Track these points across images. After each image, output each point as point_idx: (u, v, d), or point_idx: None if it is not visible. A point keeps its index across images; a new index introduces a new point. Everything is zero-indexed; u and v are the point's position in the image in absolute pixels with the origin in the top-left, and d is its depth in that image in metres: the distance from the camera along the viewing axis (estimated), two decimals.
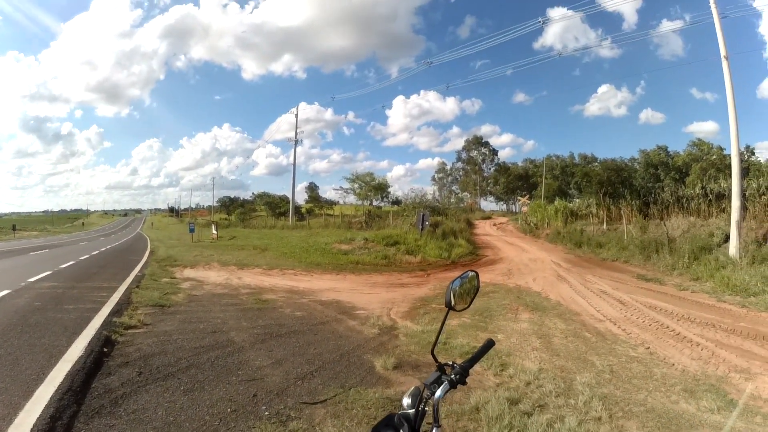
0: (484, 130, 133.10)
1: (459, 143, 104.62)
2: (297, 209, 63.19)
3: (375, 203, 66.91)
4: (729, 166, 18.30)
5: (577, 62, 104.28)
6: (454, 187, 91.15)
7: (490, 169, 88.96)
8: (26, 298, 10.07)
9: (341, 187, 71.42)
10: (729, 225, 16.63)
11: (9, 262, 19.98)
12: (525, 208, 55.57)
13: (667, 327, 8.63)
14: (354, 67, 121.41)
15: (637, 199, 29.49)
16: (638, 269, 17.12)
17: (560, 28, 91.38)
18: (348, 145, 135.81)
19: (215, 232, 40.56)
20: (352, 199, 70.40)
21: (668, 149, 60.80)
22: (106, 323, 7.74)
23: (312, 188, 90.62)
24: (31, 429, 3.88)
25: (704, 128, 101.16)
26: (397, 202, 62.17)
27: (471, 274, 2.11)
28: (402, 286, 14.39)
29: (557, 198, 48.34)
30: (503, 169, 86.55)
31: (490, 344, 2.00)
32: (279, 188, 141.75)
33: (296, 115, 55.71)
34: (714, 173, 34.85)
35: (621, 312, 10.04)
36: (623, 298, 11.52)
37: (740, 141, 16.86)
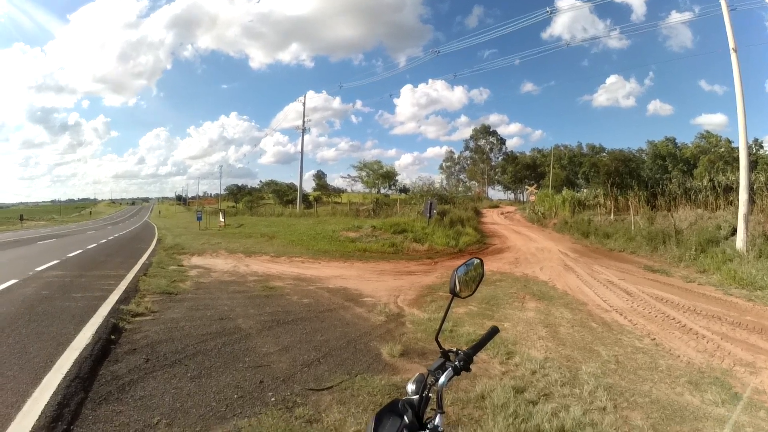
0: (492, 119, 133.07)
1: (467, 132, 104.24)
2: (305, 197, 63.28)
3: (383, 191, 67.20)
4: (737, 159, 18.18)
5: (585, 52, 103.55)
6: (461, 176, 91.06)
7: (497, 158, 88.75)
8: (34, 287, 10.09)
9: (349, 175, 71.85)
10: (736, 218, 16.50)
11: (17, 252, 20.04)
12: (533, 198, 55.44)
13: (674, 319, 8.60)
14: (362, 56, 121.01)
15: (644, 190, 29.40)
16: (645, 260, 17.05)
17: (568, 18, 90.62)
18: (356, 134, 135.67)
19: (222, 220, 40.69)
20: (359, 187, 70.76)
21: (676, 141, 60.40)
22: (114, 311, 7.78)
23: (320, 176, 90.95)
24: (39, 416, 3.90)
25: (713, 120, 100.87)
26: (404, 190, 62.48)
27: (476, 261, 2.11)
28: (409, 274, 14.39)
29: (565, 188, 48.33)
30: (511, 158, 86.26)
31: (494, 331, 2.02)
32: (287, 176, 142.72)
33: (304, 104, 55.86)
34: (722, 166, 34.67)
35: (627, 303, 10.01)
36: (630, 288, 11.48)
37: (748, 134, 16.74)
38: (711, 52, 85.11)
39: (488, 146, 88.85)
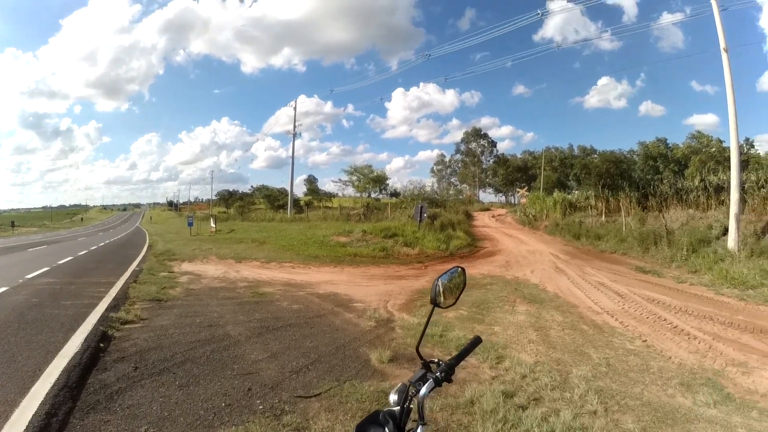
0: (484, 122, 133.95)
1: (458, 135, 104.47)
2: (296, 202, 63.42)
3: (373, 195, 67.55)
4: (728, 159, 18.34)
5: (577, 54, 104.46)
6: (453, 179, 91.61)
7: (489, 161, 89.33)
8: (24, 294, 10.02)
9: (340, 180, 72.44)
10: (728, 218, 16.63)
11: (7, 259, 19.94)
12: (524, 200, 55.57)
13: (665, 320, 8.61)
14: (354, 60, 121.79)
15: (635, 191, 29.55)
16: (636, 261, 17.14)
17: (560, 21, 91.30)
18: (347, 138, 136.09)
19: (214, 226, 40.68)
20: (350, 191, 71.12)
21: (667, 141, 60.81)
22: (103, 319, 7.73)
23: (311, 181, 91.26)
24: (27, 425, 3.86)
25: (704, 120, 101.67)
26: (395, 194, 62.71)
27: (457, 270, 2.09)
28: (400, 279, 14.39)
29: (556, 190, 48.45)
30: (502, 160, 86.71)
31: (477, 341, 1.99)
32: (278, 181, 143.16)
33: (295, 108, 55.85)
34: (713, 165, 34.87)
35: (619, 304, 10.03)
36: (621, 290, 11.50)
37: (740, 133, 16.86)
38: (702, 53, 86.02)
39: (479, 149, 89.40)
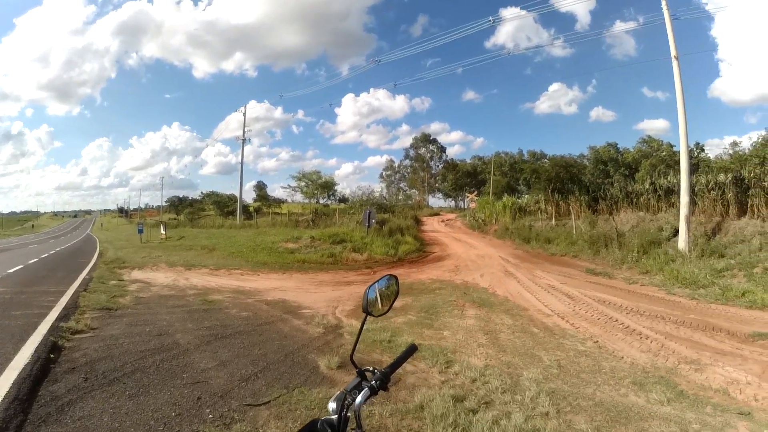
0: (434, 127, 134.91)
1: (408, 141, 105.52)
2: (245, 208, 63.01)
3: (322, 201, 67.78)
4: (678, 163, 18.98)
5: (528, 61, 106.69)
6: (402, 185, 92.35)
7: (438, 166, 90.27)
8: None
9: (289, 186, 72.33)
10: (678, 220, 17.20)
11: None
12: (473, 205, 56.34)
13: (617, 320, 8.78)
14: (305, 66, 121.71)
15: (586, 194, 30.18)
16: (587, 264, 17.54)
17: (512, 28, 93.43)
18: (297, 144, 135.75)
19: (164, 233, 40.20)
20: (299, 197, 71.14)
21: (618, 146, 62.55)
22: (53, 328, 7.62)
23: (260, 187, 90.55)
24: None
25: (655, 126, 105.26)
26: (344, 199, 62.99)
27: (389, 277, 2.17)
28: (348, 285, 14.46)
29: (505, 194, 49.18)
30: (451, 166, 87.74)
31: (412, 349, 2.07)
32: (228, 187, 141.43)
33: (244, 114, 55.36)
34: (664, 169, 35.99)
35: (569, 306, 10.20)
36: (572, 292, 11.70)
37: (690, 138, 17.53)
38: (654, 60, 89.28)
39: (429, 154, 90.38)
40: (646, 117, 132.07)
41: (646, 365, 6.17)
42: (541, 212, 33.26)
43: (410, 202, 76.45)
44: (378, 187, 74.55)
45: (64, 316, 8.58)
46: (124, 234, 55.52)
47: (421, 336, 7.72)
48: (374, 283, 2.07)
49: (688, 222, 16.61)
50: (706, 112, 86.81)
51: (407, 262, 20.75)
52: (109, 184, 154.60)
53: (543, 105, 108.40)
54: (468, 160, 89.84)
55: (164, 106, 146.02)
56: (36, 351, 6.27)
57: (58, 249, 32.24)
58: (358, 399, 1.63)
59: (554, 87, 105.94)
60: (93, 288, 12.24)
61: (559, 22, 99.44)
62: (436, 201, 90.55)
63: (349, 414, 1.62)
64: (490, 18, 36.52)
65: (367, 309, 1.97)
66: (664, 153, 50.73)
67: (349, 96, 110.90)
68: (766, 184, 17.63)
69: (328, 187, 69.06)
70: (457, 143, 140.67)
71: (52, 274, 15.91)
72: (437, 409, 4.47)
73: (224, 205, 71.95)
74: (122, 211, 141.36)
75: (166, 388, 5.20)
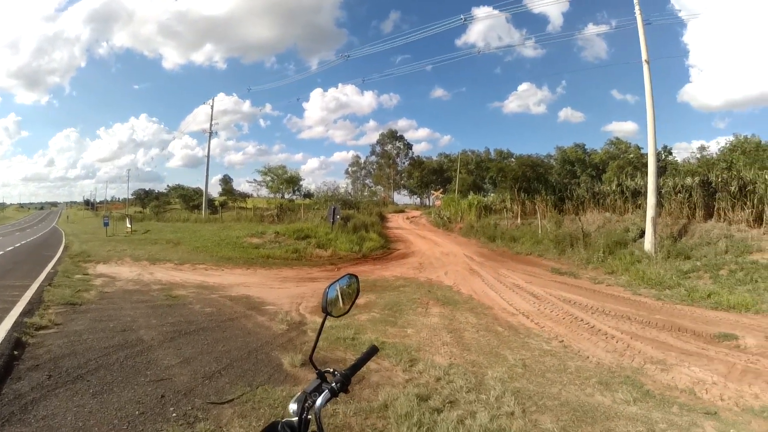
0: (401, 124, 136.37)
1: (375, 137, 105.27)
2: (210, 202, 62.66)
3: (287, 196, 67.82)
4: (646, 165, 19.42)
5: (498, 60, 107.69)
6: (367, 181, 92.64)
7: (404, 163, 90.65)
8: None
9: (255, 180, 72.27)
10: (645, 221, 17.59)
11: None
12: (438, 202, 56.62)
13: (582, 320, 8.91)
14: (274, 59, 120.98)
15: (552, 194, 30.54)
16: (552, 263, 17.79)
17: (484, 27, 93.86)
18: (264, 138, 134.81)
19: (129, 226, 39.61)
20: (265, 192, 71.04)
21: (586, 147, 63.74)
22: (17, 324, 7.56)
23: (226, 181, 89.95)
24: None
25: (623, 128, 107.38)
26: (309, 195, 63.15)
27: (350, 276, 2.20)
28: (312, 281, 14.48)
29: (471, 192, 49.58)
30: (417, 163, 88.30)
31: (373, 351, 2.08)
32: (194, 180, 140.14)
33: (212, 107, 54.97)
34: (631, 171, 36.77)
35: (534, 305, 10.32)
36: (537, 291, 11.84)
37: (658, 141, 17.99)
38: (624, 63, 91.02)
39: (395, 151, 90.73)
40: (614, 119, 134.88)
41: (612, 365, 6.28)
42: (506, 211, 33.55)
43: (375, 198, 76.64)
44: (343, 183, 75.28)
45: (28, 311, 8.52)
46: (90, 227, 54.68)
47: (384, 334, 7.74)
48: (334, 282, 2.07)
49: (655, 224, 17.05)
50: (674, 116, 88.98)
51: (371, 259, 20.85)
52: (76, 175, 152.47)
53: (512, 104, 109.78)
54: (434, 158, 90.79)
55: (133, 97, 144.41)
56: None
57: (23, 242, 31.74)
58: (319, 401, 1.64)
59: (523, 87, 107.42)
60: (58, 282, 12.15)
61: (531, 22, 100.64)
62: (401, 198, 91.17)
63: (309, 416, 1.63)
64: (462, 16, 36.58)
65: (327, 309, 1.97)
66: (631, 155, 51.99)
67: (318, 91, 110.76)
68: (732, 188, 18.06)
69: (293, 182, 69.55)
70: (424, 140, 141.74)
71: (16, 268, 15.75)
72: (401, 408, 4.49)
73: (190, 198, 72.17)
74: (89, 204, 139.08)
75: (130, 385, 5.20)
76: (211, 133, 55.36)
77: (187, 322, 8.41)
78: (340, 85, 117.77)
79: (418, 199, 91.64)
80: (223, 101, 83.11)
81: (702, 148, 46.71)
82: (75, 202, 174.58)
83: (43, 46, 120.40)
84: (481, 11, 56.45)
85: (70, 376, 5.40)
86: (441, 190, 70.80)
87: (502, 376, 5.64)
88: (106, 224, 38.19)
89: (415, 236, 31.26)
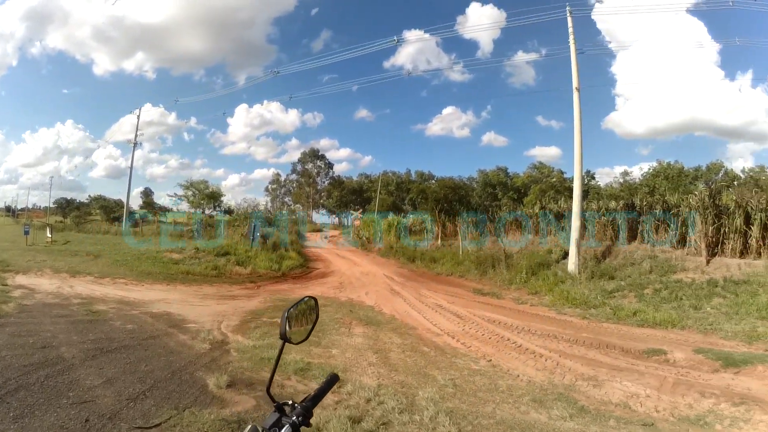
0: (323, 143, 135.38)
1: (296, 155, 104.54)
2: (131, 215, 60.72)
3: (208, 212, 67.02)
4: (568, 188, 20.18)
5: (425, 83, 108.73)
6: (287, 199, 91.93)
7: (324, 182, 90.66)
8: None
9: (175, 194, 70.86)
10: (568, 243, 18.16)
11: None
12: (357, 222, 56.75)
13: (508, 339, 9.01)
14: (203, 72, 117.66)
15: (474, 216, 31.11)
16: (474, 284, 18.03)
17: (413, 49, 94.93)
18: (187, 152, 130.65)
19: (50, 236, 37.78)
20: (185, 206, 69.78)
21: (508, 170, 65.37)
22: None
23: (147, 193, 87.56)
24: None
25: (546, 153, 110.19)
26: (229, 211, 62.53)
27: (308, 299, 2.07)
28: (232, 299, 14.31)
29: (391, 213, 49.96)
30: (337, 182, 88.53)
31: (334, 379, 1.98)
32: (116, 192, 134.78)
33: (138, 117, 53.16)
34: (553, 194, 37.99)
35: (459, 326, 10.40)
36: (460, 311, 11.95)
37: (583, 166, 18.65)
38: (551, 91, 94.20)
39: (316, 170, 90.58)
40: (538, 144, 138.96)
41: (543, 383, 6.35)
42: (426, 232, 33.95)
43: (294, 216, 76.53)
44: (263, 201, 74.61)
45: None
46: (9, 234, 52.06)
47: (309, 354, 7.59)
48: (291, 306, 1.92)
49: (579, 245, 17.60)
50: (599, 142, 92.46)
51: (291, 278, 20.74)
52: None
53: (435, 127, 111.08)
54: (355, 178, 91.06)
55: (61, 102, 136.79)
56: None
57: None
58: None
59: (448, 110, 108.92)
60: None
61: (461, 47, 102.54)
62: (320, 217, 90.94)
63: None
64: (395, 38, 37.02)
65: (286, 336, 1.82)
66: (554, 179, 53.66)
67: (243, 106, 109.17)
68: (656, 210, 18.89)
69: (215, 197, 68.67)
70: (345, 160, 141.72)
71: None
72: (335, 431, 4.41)
73: (111, 210, 71.08)
74: (9, 210, 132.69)
75: (52, 408, 5.03)
76: (135, 144, 53.85)
77: (109, 339, 8.19)
78: (265, 101, 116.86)
79: (337, 218, 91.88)
80: (150, 112, 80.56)
81: (625, 173, 49.11)
82: None
83: None
84: (412, 34, 57.20)
85: None
86: (360, 210, 71.13)
87: (433, 396, 5.60)
88: (26, 233, 36.76)
89: (334, 256, 31.21)
